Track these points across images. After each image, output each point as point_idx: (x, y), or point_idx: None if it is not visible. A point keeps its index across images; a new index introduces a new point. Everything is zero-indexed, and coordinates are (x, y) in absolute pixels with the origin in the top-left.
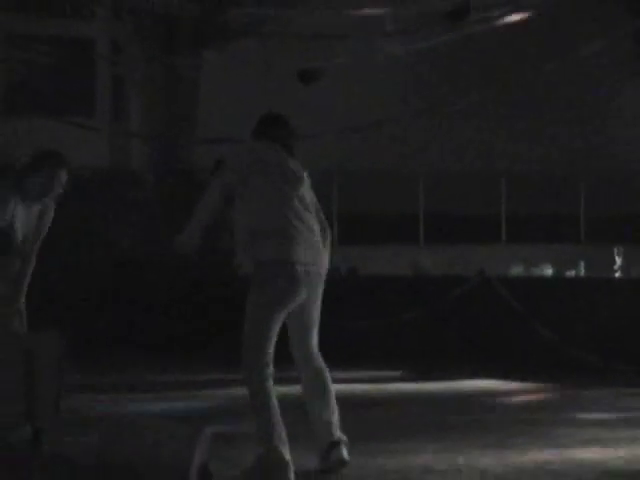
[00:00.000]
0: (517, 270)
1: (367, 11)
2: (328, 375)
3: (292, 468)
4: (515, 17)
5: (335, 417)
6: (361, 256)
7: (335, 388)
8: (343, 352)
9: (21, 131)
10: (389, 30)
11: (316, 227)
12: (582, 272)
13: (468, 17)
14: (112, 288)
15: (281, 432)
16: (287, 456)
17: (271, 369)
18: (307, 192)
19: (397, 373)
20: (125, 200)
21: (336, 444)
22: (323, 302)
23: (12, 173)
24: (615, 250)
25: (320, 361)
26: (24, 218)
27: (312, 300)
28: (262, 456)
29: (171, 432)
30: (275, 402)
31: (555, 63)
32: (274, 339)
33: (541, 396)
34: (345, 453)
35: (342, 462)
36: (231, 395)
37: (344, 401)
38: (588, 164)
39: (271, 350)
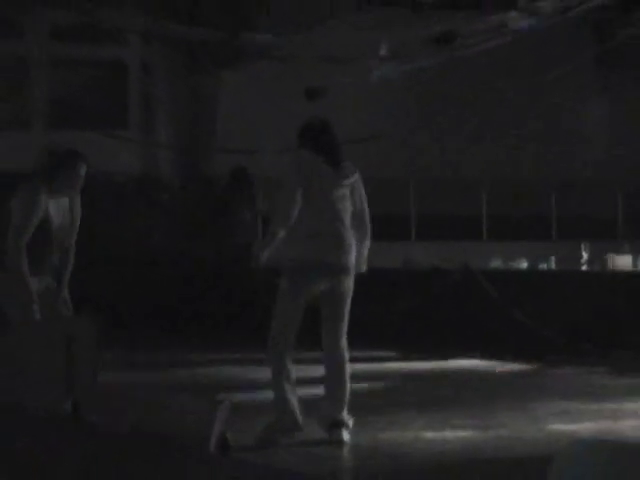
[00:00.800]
0: (496, 264)
1: (364, 37)
2: (348, 365)
3: (300, 429)
4: (494, 42)
5: (345, 399)
6: None
7: None
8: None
9: (64, 142)
10: (383, 53)
11: (348, 230)
12: (553, 265)
13: (454, 42)
14: (142, 278)
15: (295, 406)
16: (299, 422)
17: (292, 350)
18: (347, 198)
19: (391, 354)
20: (154, 202)
21: (340, 424)
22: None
23: (39, 171)
24: (582, 246)
25: (343, 352)
26: (56, 211)
27: (337, 294)
28: (276, 419)
29: (194, 404)
30: (293, 379)
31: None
32: (296, 326)
33: (517, 373)
34: (345, 435)
35: (340, 443)
36: (248, 371)
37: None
38: (558, 172)
39: (293, 334)
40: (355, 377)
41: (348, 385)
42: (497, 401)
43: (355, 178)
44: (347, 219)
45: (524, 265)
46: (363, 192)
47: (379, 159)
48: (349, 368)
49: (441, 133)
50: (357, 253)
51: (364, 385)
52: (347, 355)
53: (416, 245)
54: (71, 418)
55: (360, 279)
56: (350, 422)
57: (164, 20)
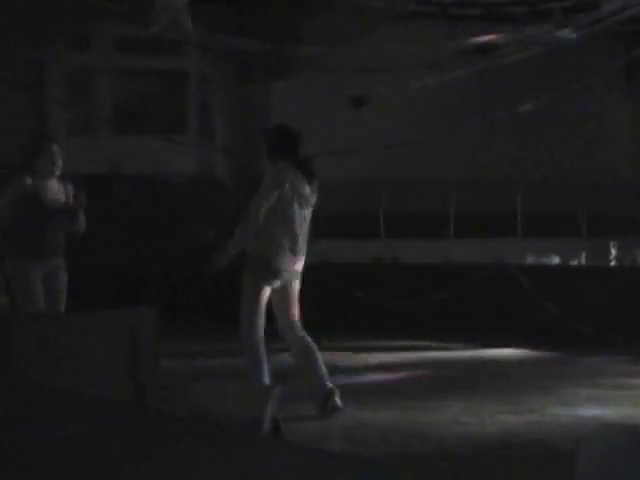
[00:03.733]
0: (530, 259)
1: (406, 47)
2: (309, 338)
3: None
4: (528, 53)
5: (324, 369)
6: (403, 247)
7: (380, 356)
8: (387, 326)
9: (128, 147)
10: (424, 63)
11: (305, 238)
12: (583, 261)
13: (491, 53)
14: (198, 273)
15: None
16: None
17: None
18: (310, 210)
19: (429, 343)
20: (209, 202)
21: (330, 393)
22: (370, 285)
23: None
24: (611, 243)
25: (301, 328)
26: (47, 194)
27: (292, 285)
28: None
29: (248, 391)
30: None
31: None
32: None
33: (549, 362)
34: (338, 401)
35: (337, 409)
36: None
37: (387, 366)
38: (588, 173)
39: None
40: (395, 366)
41: (320, 356)
42: (529, 388)
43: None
44: (307, 229)
45: (556, 261)
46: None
47: (419, 162)
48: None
49: (477, 136)
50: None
51: (404, 373)
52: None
53: (454, 242)
54: (135, 405)
55: (401, 274)
56: (334, 387)
57: (219, 33)
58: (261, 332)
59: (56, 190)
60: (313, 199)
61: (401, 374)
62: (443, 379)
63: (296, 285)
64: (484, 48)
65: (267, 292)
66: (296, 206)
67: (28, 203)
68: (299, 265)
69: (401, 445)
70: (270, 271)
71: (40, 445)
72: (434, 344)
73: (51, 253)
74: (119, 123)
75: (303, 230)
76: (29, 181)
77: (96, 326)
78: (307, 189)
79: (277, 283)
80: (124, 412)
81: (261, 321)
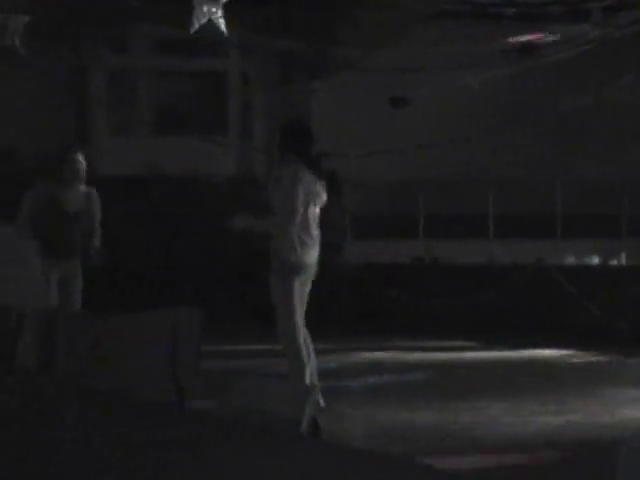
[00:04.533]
0: (570, 260)
1: (446, 48)
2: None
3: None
4: (568, 53)
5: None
6: (442, 247)
7: (420, 356)
8: (429, 326)
9: (168, 148)
10: (462, 63)
11: (318, 234)
12: (624, 262)
13: (533, 52)
14: (240, 271)
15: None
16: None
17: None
18: (319, 205)
19: (471, 343)
20: (249, 201)
21: (315, 387)
22: (411, 284)
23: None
24: None
25: (310, 343)
26: (70, 199)
27: (307, 285)
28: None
29: (288, 390)
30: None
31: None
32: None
33: (591, 363)
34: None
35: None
36: (335, 360)
37: (428, 365)
38: (627, 174)
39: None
40: (435, 366)
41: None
42: (571, 388)
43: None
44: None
45: (596, 261)
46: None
47: (458, 162)
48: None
49: (516, 136)
50: None
51: (446, 372)
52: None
53: (494, 243)
54: (176, 405)
55: (440, 274)
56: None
57: (259, 34)
58: (302, 332)
59: (78, 197)
60: (323, 197)
61: (443, 374)
62: (484, 379)
63: (309, 286)
64: (523, 48)
65: (297, 289)
66: (311, 205)
67: (49, 209)
68: (315, 262)
69: (441, 445)
70: (296, 267)
71: (85, 444)
72: (474, 344)
73: (67, 257)
74: (159, 124)
75: (316, 228)
76: (51, 187)
77: (137, 327)
78: (317, 187)
79: (302, 277)
80: (165, 413)
81: (300, 320)
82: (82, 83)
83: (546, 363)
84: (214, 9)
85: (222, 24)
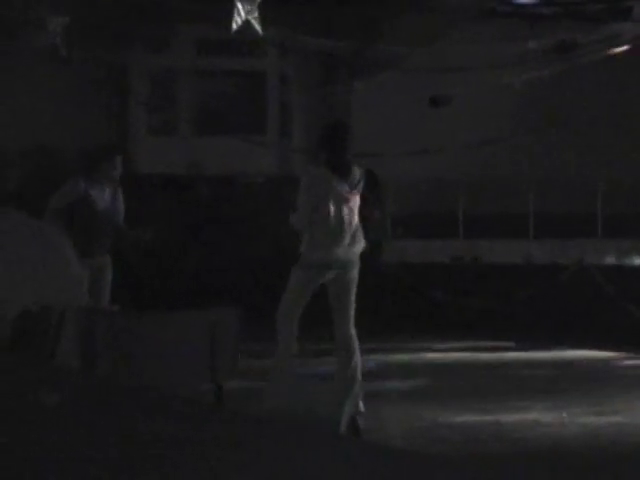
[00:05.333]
0: (610, 260)
1: (485, 47)
2: (357, 359)
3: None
4: (609, 52)
5: (354, 390)
6: (482, 247)
7: (460, 356)
8: (468, 326)
9: (208, 147)
10: (503, 62)
11: (347, 233)
12: None
13: (573, 51)
14: (279, 271)
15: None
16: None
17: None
18: (356, 201)
19: (510, 344)
20: (288, 200)
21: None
22: (450, 284)
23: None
24: None
25: (352, 343)
26: (100, 199)
27: (340, 288)
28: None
29: (326, 390)
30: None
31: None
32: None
33: (632, 364)
34: (360, 423)
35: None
36: (374, 360)
37: (468, 366)
38: None
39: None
40: (476, 366)
41: (358, 375)
42: (612, 389)
43: (362, 184)
44: (352, 221)
45: (637, 262)
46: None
47: (498, 161)
48: (358, 358)
49: (558, 135)
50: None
51: (486, 373)
52: (356, 344)
53: (534, 242)
54: (214, 403)
55: (480, 274)
56: (362, 408)
57: (299, 33)
58: (294, 322)
59: (109, 196)
60: (352, 199)
61: (482, 375)
62: (524, 380)
63: (343, 285)
64: (563, 47)
65: (302, 282)
66: (333, 206)
67: (81, 206)
68: (341, 261)
69: (482, 445)
70: (304, 262)
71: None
72: (514, 345)
73: (97, 253)
74: (200, 124)
75: (345, 229)
76: (82, 186)
77: (176, 326)
78: (341, 189)
79: (313, 273)
80: (204, 412)
81: (296, 310)
82: (123, 83)
83: (587, 364)
84: (252, 9)
85: (258, 24)
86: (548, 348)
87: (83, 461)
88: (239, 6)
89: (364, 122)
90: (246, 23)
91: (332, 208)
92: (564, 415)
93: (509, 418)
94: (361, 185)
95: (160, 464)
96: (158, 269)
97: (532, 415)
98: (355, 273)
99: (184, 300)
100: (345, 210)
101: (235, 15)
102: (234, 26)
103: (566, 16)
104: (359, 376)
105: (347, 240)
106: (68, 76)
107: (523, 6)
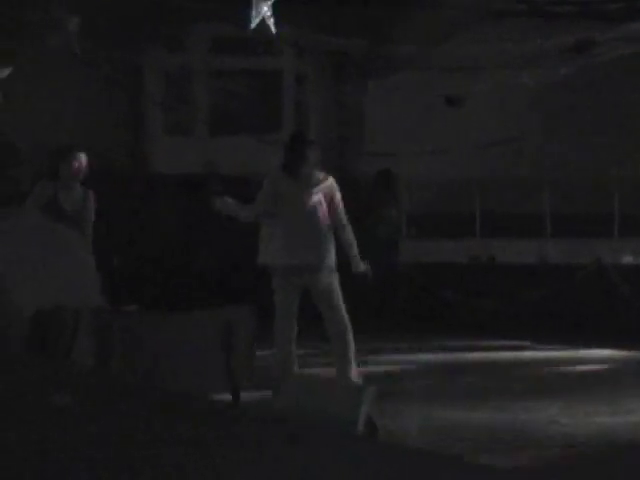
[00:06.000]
0: (626, 259)
1: (501, 46)
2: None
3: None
4: (626, 51)
5: (351, 360)
6: (499, 246)
7: (476, 355)
8: (484, 325)
9: (223, 147)
10: (519, 62)
11: (318, 233)
12: None
13: (591, 50)
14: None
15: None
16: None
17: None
18: (319, 203)
19: (527, 342)
20: None
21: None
22: (466, 284)
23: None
24: None
25: (346, 333)
26: (67, 201)
27: (320, 291)
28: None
29: (342, 390)
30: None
31: None
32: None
33: None
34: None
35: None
36: (390, 359)
37: (483, 365)
38: None
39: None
40: (491, 365)
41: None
42: (628, 389)
43: (326, 184)
44: (318, 223)
45: None
46: (338, 196)
47: (514, 160)
48: (351, 353)
49: (573, 134)
50: (350, 253)
51: (500, 372)
52: (349, 324)
53: (550, 242)
54: (230, 404)
55: (497, 274)
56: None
57: (314, 33)
58: (285, 330)
59: (79, 198)
60: (308, 200)
61: (497, 374)
62: (540, 379)
63: (325, 285)
64: (580, 46)
65: (281, 290)
66: (291, 207)
67: (49, 209)
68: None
69: (497, 445)
70: (273, 269)
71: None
72: (530, 344)
73: None
74: (215, 123)
75: (311, 229)
76: (51, 188)
77: (192, 325)
78: (295, 189)
79: (288, 278)
80: (219, 411)
81: (284, 320)
82: (138, 82)
83: (603, 364)
84: (266, 8)
85: (273, 23)
86: (563, 347)
87: (91, 461)
88: (255, 5)
89: (378, 121)
90: (262, 22)
91: (289, 209)
92: (580, 414)
93: (524, 417)
94: (322, 188)
95: (171, 462)
96: (173, 268)
97: (547, 415)
98: (329, 278)
99: (199, 300)
100: (304, 212)
101: (251, 14)
102: (250, 25)
103: (584, 15)
104: (353, 361)
105: (313, 243)
106: (83, 76)
107: (540, 5)
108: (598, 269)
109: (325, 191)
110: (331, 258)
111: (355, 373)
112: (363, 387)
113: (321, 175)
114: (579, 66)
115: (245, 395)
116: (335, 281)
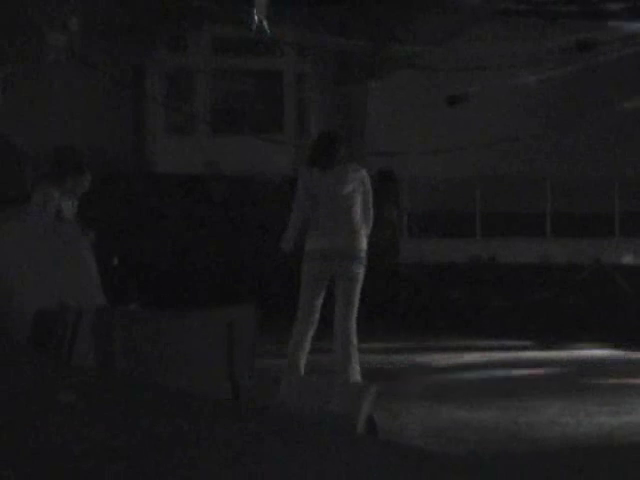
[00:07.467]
0: (628, 259)
1: (502, 46)
2: (354, 349)
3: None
4: (628, 51)
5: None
6: (499, 246)
7: (477, 355)
8: (485, 325)
9: (225, 147)
10: (521, 62)
11: (348, 220)
12: None
13: (593, 50)
14: (297, 270)
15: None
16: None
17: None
18: (350, 194)
19: (529, 342)
20: None
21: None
22: (467, 284)
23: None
24: None
25: (351, 339)
26: (68, 211)
27: (345, 282)
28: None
29: (342, 388)
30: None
31: None
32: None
33: None
34: None
35: None
36: (391, 359)
37: (484, 365)
38: None
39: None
40: (492, 365)
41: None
42: (629, 389)
43: (357, 176)
44: (351, 211)
45: None
46: (368, 187)
47: (516, 160)
48: (355, 352)
49: (575, 134)
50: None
51: (502, 372)
52: (354, 340)
53: (551, 241)
54: (231, 403)
55: (498, 273)
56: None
57: (316, 33)
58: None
59: (74, 205)
60: (337, 191)
61: (498, 374)
62: (541, 379)
63: (341, 273)
64: (582, 45)
65: (306, 272)
66: (315, 200)
67: (50, 209)
68: (330, 249)
69: (499, 445)
70: (304, 254)
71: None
72: (531, 344)
73: None
74: (217, 123)
75: (330, 220)
76: (56, 198)
77: (193, 324)
78: (322, 183)
79: (312, 262)
80: (221, 411)
81: (306, 300)
82: (139, 82)
83: (603, 363)
84: (267, 8)
85: (274, 23)
86: (565, 347)
87: (94, 459)
88: (256, 5)
89: (380, 121)
90: (263, 23)
91: (324, 199)
92: (580, 415)
93: (526, 417)
94: (355, 177)
95: (173, 461)
96: (175, 267)
97: (548, 415)
98: (358, 268)
99: (201, 299)
100: (334, 202)
101: (252, 14)
102: (251, 25)
103: (586, 15)
104: (358, 370)
105: (341, 231)
106: (84, 76)
107: (542, 4)
108: (599, 269)
109: (357, 181)
110: (363, 247)
111: (356, 372)
112: (363, 386)
113: (353, 166)
114: (580, 66)
115: (245, 395)
116: (361, 274)
